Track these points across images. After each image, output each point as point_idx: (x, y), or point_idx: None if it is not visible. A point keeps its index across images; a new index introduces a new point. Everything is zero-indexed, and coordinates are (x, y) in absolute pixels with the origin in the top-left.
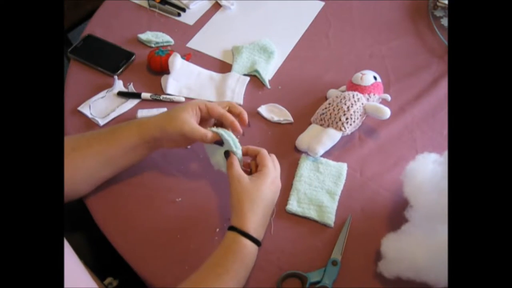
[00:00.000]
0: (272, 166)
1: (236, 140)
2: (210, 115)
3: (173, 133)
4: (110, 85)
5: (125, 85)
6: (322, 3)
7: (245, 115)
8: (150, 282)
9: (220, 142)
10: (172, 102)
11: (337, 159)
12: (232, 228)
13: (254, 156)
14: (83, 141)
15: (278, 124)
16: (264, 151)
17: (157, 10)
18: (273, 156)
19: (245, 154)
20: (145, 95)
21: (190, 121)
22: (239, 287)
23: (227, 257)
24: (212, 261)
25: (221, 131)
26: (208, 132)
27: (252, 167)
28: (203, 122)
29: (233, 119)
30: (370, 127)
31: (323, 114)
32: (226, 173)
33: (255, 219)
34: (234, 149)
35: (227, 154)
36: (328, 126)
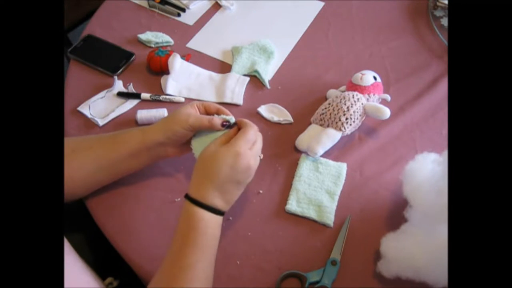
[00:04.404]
0: (244, 145)
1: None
2: (207, 112)
3: (179, 130)
4: (109, 85)
5: (124, 86)
6: (322, 3)
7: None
8: (149, 283)
9: (229, 125)
10: (172, 102)
11: (336, 159)
12: (187, 197)
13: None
14: (84, 143)
15: (278, 124)
16: (246, 129)
17: (157, 10)
18: (259, 135)
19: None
20: (145, 95)
21: (194, 113)
22: (212, 257)
23: (189, 235)
24: (178, 239)
25: (225, 116)
26: (214, 117)
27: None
28: None
29: (228, 112)
30: (369, 127)
31: (323, 114)
32: None
33: (211, 187)
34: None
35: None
36: (328, 126)
